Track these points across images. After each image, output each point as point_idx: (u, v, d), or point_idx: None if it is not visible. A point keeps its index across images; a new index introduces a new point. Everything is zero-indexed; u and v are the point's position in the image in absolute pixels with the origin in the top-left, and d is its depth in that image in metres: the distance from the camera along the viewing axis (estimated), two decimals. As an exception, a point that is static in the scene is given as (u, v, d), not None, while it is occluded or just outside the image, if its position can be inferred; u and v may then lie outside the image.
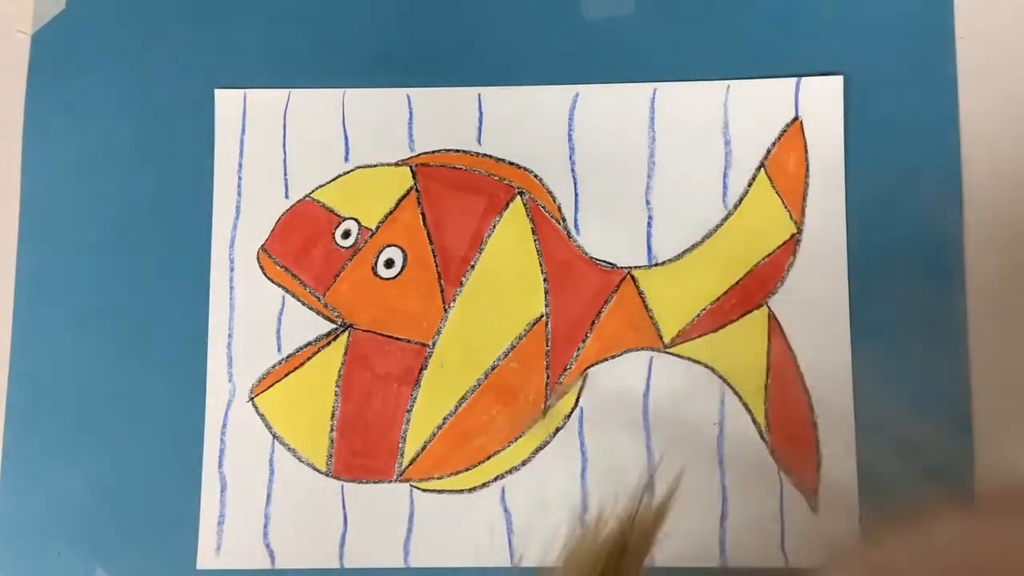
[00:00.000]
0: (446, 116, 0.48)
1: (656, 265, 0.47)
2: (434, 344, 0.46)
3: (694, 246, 0.47)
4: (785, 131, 0.47)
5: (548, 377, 0.46)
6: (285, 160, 0.48)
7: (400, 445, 0.46)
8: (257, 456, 0.46)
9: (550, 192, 0.47)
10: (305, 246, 0.47)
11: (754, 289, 0.46)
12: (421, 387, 0.46)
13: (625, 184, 0.47)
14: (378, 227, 0.47)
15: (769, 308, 0.46)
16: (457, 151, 0.48)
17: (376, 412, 0.46)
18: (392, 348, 0.46)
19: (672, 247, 0.47)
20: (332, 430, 0.46)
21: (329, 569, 0.45)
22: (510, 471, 0.45)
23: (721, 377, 0.46)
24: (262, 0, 0.49)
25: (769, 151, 0.47)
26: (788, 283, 0.46)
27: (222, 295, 0.47)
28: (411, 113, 0.48)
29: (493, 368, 0.46)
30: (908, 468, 0.44)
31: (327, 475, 0.46)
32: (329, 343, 0.47)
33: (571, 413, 0.46)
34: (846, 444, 0.45)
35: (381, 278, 0.47)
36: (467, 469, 0.46)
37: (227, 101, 0.48)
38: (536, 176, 0.47)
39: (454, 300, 0.47)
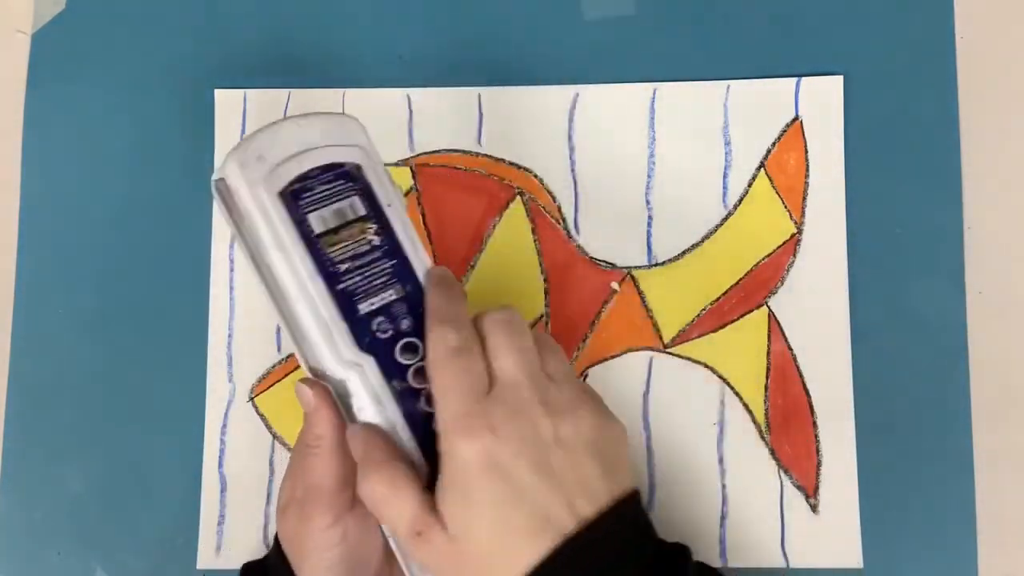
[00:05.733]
0: (446, 116, 0.48)
1: (656, 265, 0.47)
2: (434, 344, 0.46)
3: (694, 246, 0.47)
4: (785, 131, 0.47)
5: (548, 377, 0.46)
6: (285, 160, 0.48)
7: (400, 445, 0.46)
8: (257, 456, 0.46)
9: (550, 192, 0.47)
10: (305, 246, 0.47)
11: (754, 289, 0.46)
12: (421, 387, 0.46)
13: (625, 184, 0.47)
14: (378, 227, 0.47)
15: (769, 308, 0.46)
16: (457, 151, 0.48)
17: (376, 412, 0.46)
18: (392, 348, 0.46)
19: (672, 247, 0.47)
20: (332, 430, 0.46)
21: (329, 569, 0.45)
22: (510, 471, 0.45)
23: (721, 377, 0.46)
24: (262, 0, 0.49)
25: (769, 151, 0.47)
26: (788, 283, 0.46)
27: (222, 295, 0.47)
28: (411, 113, 0.48)
29: (493, 368, 0.46)
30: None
31: (327, 475, 0.46)
32: (329, 343, 0.47)
33: (571, 413, 0.46)
34: (846, 444, 0.45)
35: (381, 278, 0.47)
36: (467, 469, 0.46)
37: (227, 101, 0.48)
38: (536, 176, 0.47)
39: (454, 300, 0.47)
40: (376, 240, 0.35)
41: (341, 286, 0.34)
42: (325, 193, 0.35)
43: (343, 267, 0.34)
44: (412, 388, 0.35)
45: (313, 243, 0.34)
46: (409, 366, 0.35)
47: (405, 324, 0.35)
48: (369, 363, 0.34)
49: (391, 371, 0.34)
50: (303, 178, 0.34)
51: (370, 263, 0.35)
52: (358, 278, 0.34)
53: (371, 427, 0.34)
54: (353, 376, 0.34)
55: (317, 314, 0.34)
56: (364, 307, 0.34)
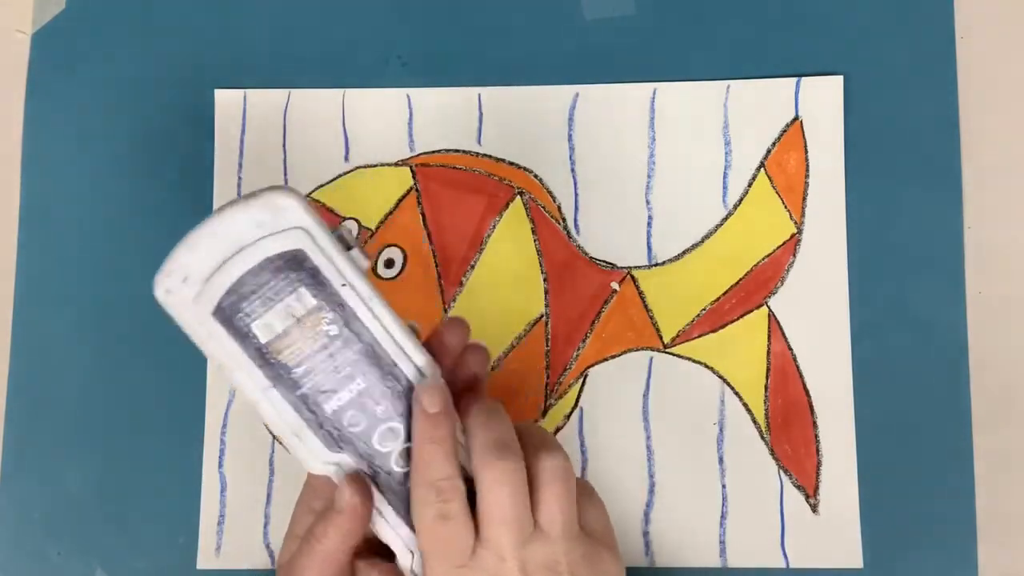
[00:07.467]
0: (446, 116, 0.48)
1: (656, 265, 0.47)
2: (434, 344, 0.46)
3: (694, 246, 0.47)
4: (785, 131, 0.47)
5: (548, 377, 0.46)
6: (285, 160, 0.48)
7: (400, 445, 0.46)
8: (257, 456, 0.46)
9: (550, 192, 0.47)
10: (305, 246, 0.47)
11: (754, 289, 0.46)
12: (421, 387, 0.46)
13: (625, 184, 0.47)
14: (378, 227, 0.47)
15: (769, 308, 0.46)
16: (457, 151, 0.48)
17: (376, 412, 0.46)
18: (392, 348, 0.46)
19: (672, 247, 0.47)
20: (332, 430, 0.46)
21: (329, 569, 0.45)
22: (510, 471, 0.45)
23: (721, 377, 0.46)
24: (262, 0, 0.49)
25: (769, 151, 0.47)
26: (788, 283, 0.46)
27: (222, 295, 0.47)
28: (411, 113, 0.48)
29: (493, 368, 0.46)
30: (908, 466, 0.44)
31: (327, 475, 0.46)
32: (329, 343, 0.47)
33: (571, 413, 0.46)
34: (846, 444, 0.45)
35: (381, 278, 0.47)
36: (467, 469, 0.46)
37: (227, 101, 0.48)
38: (536, 176, 0.47)
39: (454, 300, 0.47)
40: (333, 329, 0.32)
41: (300, 391, 0.32)
42: (267, 294, 0.31)
43: (299, 370, 0.32)
44: (395, 471, 0.33)
45: (262, 354, 0.32)
46: (390, 453, 0.33)
47: (380, 409, 0.33)
48: (345, 460, 0.33)
49: (370, 462, 0.33)
50: (238, 286, 0.31)
51: (331, 356, 0.32)
52: (319, 377, 0.32)
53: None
54: (333, 472, 0.33)
55: (281, 423, 0.32)
56: (331, 405, 0.32)
